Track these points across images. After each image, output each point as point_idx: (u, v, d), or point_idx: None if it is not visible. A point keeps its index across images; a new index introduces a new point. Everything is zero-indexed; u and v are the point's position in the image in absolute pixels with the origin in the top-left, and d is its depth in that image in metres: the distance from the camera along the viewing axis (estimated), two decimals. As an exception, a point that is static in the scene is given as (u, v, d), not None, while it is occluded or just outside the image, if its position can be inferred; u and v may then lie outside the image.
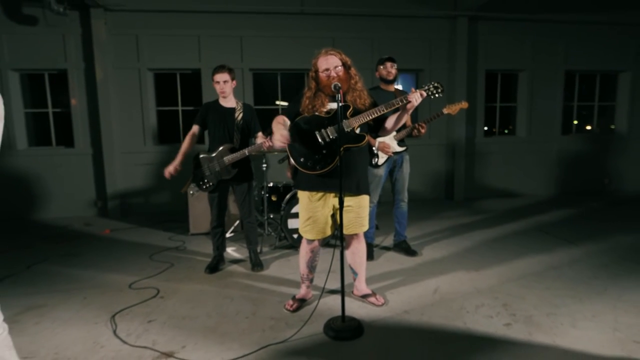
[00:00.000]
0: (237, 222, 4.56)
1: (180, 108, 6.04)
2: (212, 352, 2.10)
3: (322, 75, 2.38)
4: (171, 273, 3.33)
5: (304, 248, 2.60)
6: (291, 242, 3.85)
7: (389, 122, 2.48)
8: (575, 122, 7.35)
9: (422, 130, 3.28)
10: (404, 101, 2.28)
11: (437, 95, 2.37)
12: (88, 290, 2.98)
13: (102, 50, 5.37)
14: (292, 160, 2.44)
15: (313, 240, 2.55)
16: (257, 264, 3.34)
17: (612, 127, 7.39)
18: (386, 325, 2.38)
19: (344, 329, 2.25)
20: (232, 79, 3.21)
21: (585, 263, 3.38)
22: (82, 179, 5.68)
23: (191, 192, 4.40)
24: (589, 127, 7.59)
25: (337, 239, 2.58)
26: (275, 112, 6.19)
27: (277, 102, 6.40)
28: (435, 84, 2.37)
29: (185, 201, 4.69)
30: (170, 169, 3.19)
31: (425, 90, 2.34)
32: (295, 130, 2.37)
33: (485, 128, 6.96)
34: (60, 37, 5.39)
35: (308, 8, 5.83)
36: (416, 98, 2.27)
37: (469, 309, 2.56)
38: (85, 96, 5.55)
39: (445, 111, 3.28)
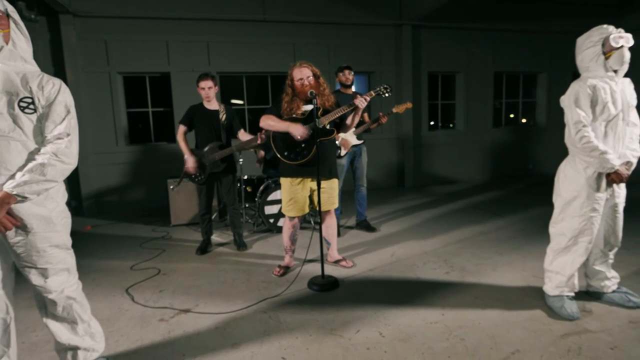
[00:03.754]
0: (216, 213, 5.01)
1: (150, 109, 6.33)
2: (221, 307, 2.62)
3: (297, 83, 2.96)
4: (165, 256, 3.76)
5: (287, 224, 3.18)
6: (268, 226, 4.40)
7: (348, 120, 3.10)
8: (512, 115, 8.50)
9: (384, 121, 3.91)
10: (352, 106, 2.90)
11: (386, 94, 3.03)
12: (93, 274, 3.35)
13: (72, 54, 5.56)
14: (276, 154, 3.01)
15: (294, 218, 3.13)
16: (241, 245, 3.86)
17: (524, 120, 8.65)
18: (356, 280, 3.03)
19: (325, 283, 2.86)
20: (215, 85, 3.69)
21: (507, 229, 4.25)
22: (53, 180, 5.81)
23: (172, 187, 4.83)
24: (524, 120, 8.76)
25: (312, 221, 3.13)
26: (240, 112, 6.66)
27: (233, 101, 6.86)
28: (385, 86, 3.03)
29: (162, 196, 5.06)
30: (191, 165, 3.55)
31: (375, 91, 3.00)
32: (279, 132, 2.94)
33: (432, 123, 7.89)
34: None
35: (270, 16, 6.35)
36: (360, 103, 2.88)
37: (419, 265, 3.27)
38: (55, 99, 5.69)
39: (394, 110, 3.99)
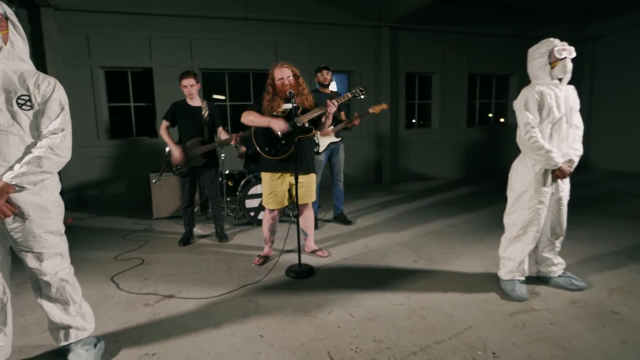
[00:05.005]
0: (197, 207, 5.14)
1: (132, 104, 6.38)
2: (204, 292, 2.80)
3: (278, 82, 3.14)
4: (148, 247, 3.89)
5: (267, 216, 3.37)
6: (249, 219, 4.57)
7: (322, 119, 3.28)
8: (490, 114, 8.88)
9: (356, 122, 4.16)
10: (323, 110, 3.09)
11: (362, 96, 3.25)
12: (78, 264, 3.38)
13: (53, 48, 5.57)
14: (257, 149, 3.18)
15: (274, 210, 3.32)
16: (223, 237, 4.02)
17: (502, 120, 9.03)
18: (331, 268, 3.24)
19: (301, 271, 3.07)
20: (197, 82, 3.83)
21: (474, 222, 4.55)
22: (33, 173, 5.82)
23: (154, 180, 4.94)
24: (502, 120, 9.14)
25: (290, 215, 3.32)
26: (222, 108, 6.78)
27: (214, 96, 6.98)
28: (360, 88, 3.25)
29: (144, 190, 5.16)
30: (177, 156, 3.69)
31: (352, 93, 3.21)
32: (260, 128, 3.11)
33: (414, 121, 8.18)
34: (6, 34, 5.47)
35: (252, 14, 6.48)
36: (330, 108, 3.07)
37: (389, 254, 3.51)
38: (35, 92, 5.69)
39: (370, 111, 4.21)
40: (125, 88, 6.34)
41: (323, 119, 3.22)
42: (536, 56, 2.51)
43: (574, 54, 2.44)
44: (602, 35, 8.74)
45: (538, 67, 2.50)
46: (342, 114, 4.42)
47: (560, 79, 2.49)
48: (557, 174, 2.50)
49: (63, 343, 1.97)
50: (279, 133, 3.02)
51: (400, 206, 5.49)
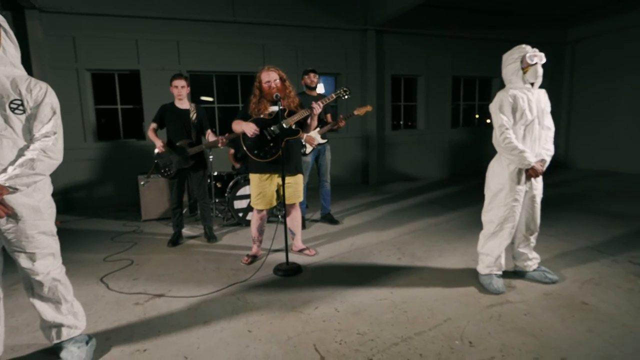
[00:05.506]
0: (186, 208, 5.19)
1: (119, 106, 6.39)
2: (193, 291, 2.86)
3: (265, 85, 3.22)
4: (137, 249, 3.93)
5: (255, 216, 3.45)
6: (237, 220, 4.63)
7: (308, 121, 3.38)
8: (477, 116, 9.08)
9: (341, 124, 4.27)
10: (308, 112, 3.19)
11: (345, 97, 3.35)
12: (67, 265, 3.38)
13: (38, 50, 5.55)
14: (246, 152, 3.26)
15: (262, 210, 3.40)
16: (212, 237, 4.08)
17: (488, 121, 9.24)
18: (318, 266, 3.34)
19: (289, 269, 3.15)
20: (187, 85, 3.89)
21: (457, 221, 4.69)
22: (19, 176, 5.79)
23: (142, 182, 4.98)
24: (488, 121, 9.33)
25: (279, 216, 3.41)
26: (210, 110, 6.83)
27: (202, 98, 7.03)
28: (344, 89, 3.36)
29: (132, 192, 5.19)
30: (159, 145, 3.78)
31: (336, 94, 3.31)
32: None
33: (402, 122, 8.33)
34: (-9, 36, 5.45)
35: (240, 18, 6.55)
36: (315, 109, 3.16)
37: (375, 253, 3.62)
38: (20, 95, 5.66)
39: (355, 112, 4.32)
40: (113, 90, 6.34)
41: (309, 121, 3.31)
42: (509, 62, 2.65)
43: (544, 60, 2.58)
44: (581, 38, 9.02)
45: (511, 72, 2.64)
46: (329, 115, 4.52)
47: (532, 83, 2.63)
48: (530, 173, 2.63)
49: (55, 341, 2.02)
50: (267, 135, 3.10)
51: (386, 206, 5.62)
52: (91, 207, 5.95)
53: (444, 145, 8.45)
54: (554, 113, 9.27)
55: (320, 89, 7.90)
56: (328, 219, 4.70)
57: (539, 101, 2.65)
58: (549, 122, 2.72)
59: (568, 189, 6.65)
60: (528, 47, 2.59)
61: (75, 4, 5.70)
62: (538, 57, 2.55)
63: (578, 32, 9.06)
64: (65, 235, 4.53)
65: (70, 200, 5.96)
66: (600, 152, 8.75)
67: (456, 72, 8.39)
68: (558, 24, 9.10)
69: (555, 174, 8.44)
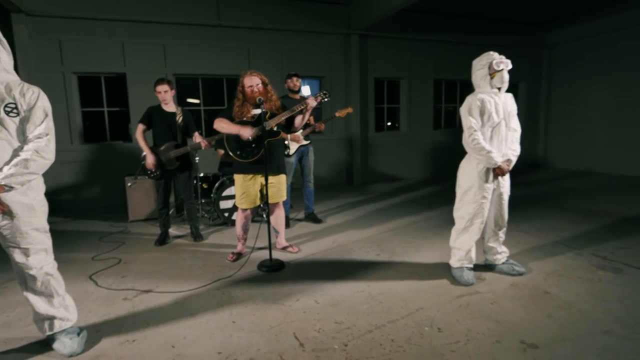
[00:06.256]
0: (173, 209, 5.27)
1: (106, 109, 6.44)
2: (180, 287, 2.98)
3: (248, 90, 3.36)
4: (125, 248, 4.02)
5: (240, 215, 3.57)
6: (223, 219, 4.75)
7: (297, 121, 3.54)
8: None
9: (322, 127, 4.45)
10: (304, 105, 3.36)
11: (326, 99, 3.51)
12: None
13: (24, 53, 5.58)
14: (229, 153, 3.39)
15: (246, 209, 3.54)
16: (198, 236, 4.19)
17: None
18: (300, 263, 3.48)
19: (272, 265, 3.29)
20: (171, 89, 4.00)
21: (436, 219, 4.88)
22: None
23: (129, 184, 5.05)
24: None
25: (264, 215, 3.55)
26: (196, 112, 6.93)
27: (189, 100, 7.13)
28: (324, 92, 3.52)
29: (119, 194, 5.25)
30: (150, 162, 3.85)
31: (318, 96, 3.47)
32: (231, 134, 3.32)
33: (390, 123, 8.53)
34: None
35: (225, 21, 6.66)
36: (311, 103, 3.36)
37: (355, 249, 3.79)
38: (5, 97, 5.68)
39: (336, 114, 4.48)
40: (99, 93, 6.39)
41: (297, 120, 3.45)
42: (478, 68, 2.84)
43: (510, 66, 2.78)
44: (557, 43, 9.36)
45: (480, 77, 2.83)
46: (312, 118, 4.67)
47: (499, 88, 2.82)
48: (497, 172, 2.82)
49: (48, 333, 2.13)
50: (249, 138, 3.24)
51: (369, 205, 5.79)
52: (78, 209, 5.99)
53: (426, 146, 8.68)
54: (533, 115, 9.76)
55: (306, 91, 8.09)
56: (312, 218, 4.85)
57: (505, 104, 2.84)
58: (515, 124, 2.91)
59: (544, 188, 6.93)
60: (495, 54, 2.78)
61: (62, 8, 5.75)
62: (504, 64, 2.74)
63: (554, 37, 9.41)
64: (53, 236, 4.51)
65: (57, 202, 5.97)
66: (576, 152, 9.09)
67: (438, 75, 8.63)
68: (536, 29, 9.43)
69: (534, 173, 8.76)
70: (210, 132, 3.89)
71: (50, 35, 5.78)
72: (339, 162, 7.91)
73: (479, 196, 2.86)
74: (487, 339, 2.15)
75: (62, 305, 2.15)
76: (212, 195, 4.88)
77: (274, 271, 3.26)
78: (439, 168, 8.78)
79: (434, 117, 8.79)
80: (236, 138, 3.32)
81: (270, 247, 3.35)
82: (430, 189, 7.09)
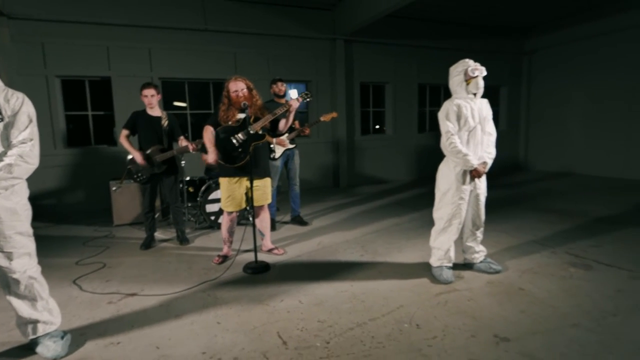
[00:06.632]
0: (158, 213, 5.27)
1: (90, 113, 6.40)
2: (165, 289, 3.00)
3: (233, 95, 3.42)
4: (110, 252, 4.02)
5: (225, 218, 3.62)
6: (209, 223, 4.78)
7: (281, 125, 3.61)
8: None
9: (307, 131, 4.53)
10: (287, 107, 3.43)
11: (308, 99, 3.60)
12: None
13: (5, 57, 5.53)
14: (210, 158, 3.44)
15: (232, 212, 3.58)
16: (184, 240, 4.22)
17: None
18: (286, 265, 3.54)
19: (258, 267, 3.34)
20: (158, 93, 4.02)
21: (419, 220, 4.99)
22: (-15, 183, 5.72)
23: (114, 188, 5.05)
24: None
25: (250, 218, 3.61)
26: (183, 116, 6.94)
27: (176, 103, 7.15)
28: (306, 92, 3.61)
29: (103, 198, 5.23)
30: (139, 158, 3.85)
31: (300, 97, 3.54)
32: (217, 138, 3.38)
33: (373, 127, 8.64)
34: (-44, 42, 5.40)
35: (211, 26, 6.70)
36: (293, 104, 3.44)
37: (340, 250, 3.86)
38: (-13, 101, 5.62)
39: (321, 119, 4.57)
40: (83, 96, 6.35)
41: (281, 123, 3.53)
42: (454, 74, 2.95)
43: (484, 73, 2.90)
44: (537, 49, 9.63)
45: (456, 83, 2.94)
46: (297, 122, 4.74)
47: (475, 94, 2.94)
48: (474, 174, 2.93)
49: (31, 337, 2.14)
50: (234, 141, 3.30)
51: (355, 208, 5.88)
52: (61, 214, 5.93)
53: (411, 149, 8.83)
54: (514, 118, 10.02)
55: (294, 94, 8.17)
56: (298, 220, 4.91)
57: (480, 109, 2.96)
58: (490, 128, 3.03)
59: (524, 189, 7.12)
60: (470, 61, 2.90)
61: (44, 11, 5.72)
62: (479, 71, 2.86)
63: (534, 43, 9.68)
64: (36, 241, 4.50)
65: (39, 207, 5.90)
66: (556, 154, 9.35)
67: (422, 79, 8.79)
68: (516, 35, 9.68)
69: (515, 175, 8.97)
70: (196, 136, 3.92)
71: (33, 39, 5.74)
72: (326, 165, 7.99)
73: (457, 197, 2.96)
74: (463, 334, 2.24)
75: (45, 308, 2.17)
76: (198, 199, 4.90)
77: (259, 273, 3.31)
78: (424, 170, 8.93)
79: (419, 120, 8.95)
80: (222, 144, 3.37)
81: (255, 250, 3.40)
82: (415, 191, 7.22)
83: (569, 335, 2.19)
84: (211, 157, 3.39)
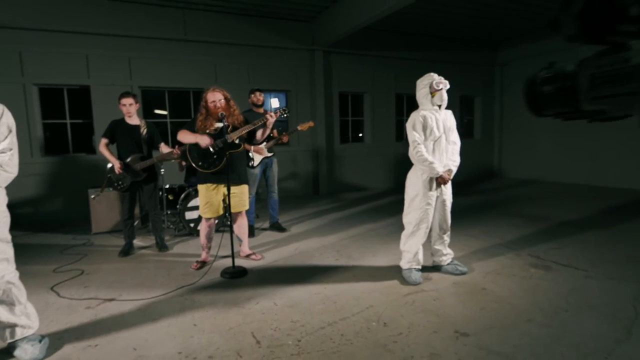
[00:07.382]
0: (138, 220, 5.29)
1: (68, 121, 6.39)
2: (143, 294, 3.07)
3: (211, 105, 3.54)
4: (88, 260, 4.04)
5: (204, 224, 3.71)
6: (189, 230, 4.84)
7: (258, 135, 3.74)
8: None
9: (285, 139, 4.68)
10: (264, 120, 3.56)
11: (285, 115, 3.74)
12: None
13: (-18, 65, 5.51)
14: (191, 164, 3.54)
15: (210, 218, 3.67)
16: (163, 246, 4.27)
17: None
18: (263, 269, 3.64)
19: (235, 272, 3.44)
20: (136, 102, 4.10)
21: (394, 225, 5.16)
22: (-42, 192, 5.63)
23: (92, 196, 5.06)
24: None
25: (226, 224, 3.72)
26: (163, 124, 6.98)
27: (156, 111, 7.20)
28: (284, 108, 3.76)
29: (81, 206, 5.23)
30: (117, 167, 3.92)
31: (277, 112, 3.68)
32: (194, 144, 3.48)
33: (352, 136, 8.84)
34: None
35: (191, 36, 6.80)
36: (270, 119, 3.56)
37: (316, 255, 3.99)
38: (-39, 109, 5.56)
39: (299, 128, 4.71)
40: (62, 105, 6.34)
41: (258, 134, 3.66)
42: (420, 87, 3.15)
43: (448, 86, 3.10)
44: (508, 61, 10.06)
45: (422, 95, 3.14)
46: (275, 131, 4.88)
47: (439, 105, 3.14)
48: (440, 180, 3.12)
49: (9, 340, 2.19)
50: (210, 148, 3.41)
51: (333, 214, 6.03)
52: (38, 222, 5.87)
53: (389, 157, 9.06)
54: (488, 128, 10.45)
55: (275, 103, 8.32)
56: (276, 227, 5.02)
57: (445, 120, 3.16)
58: (455, 137, 3.23)
59: (495, 196, 7.41)
60: (435, 75, 3.10)
61: (22, 19, 5.72)
62: (443, 84, 3.06)
63: (505, 55, 10.12)
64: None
65: (17, 215, 5.80)
66: (526, 162, 9.75)
67: (399, 89, 9.07)
68: (488, 47, 10.10)
69: (488, 182, 9.31)
70: (176, 144, 3.99)
71: (10, 47, 5.73)
72: (306, 173, 8.14)
73: (424, 203, 3.14)
74: (426, 330, 2.39)
75: (23, 313, 2.22)
76: (177, 207, 4.96)
77: (237, 277, 3.40)
78: (402, 177, 8.99)
79: (396, 129, 9.20)
80: (198, 149, 3.48)
81: (233, 255, 3.49)
82: (392, 197, 7.43)
83: (523, 329, 2.37)
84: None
